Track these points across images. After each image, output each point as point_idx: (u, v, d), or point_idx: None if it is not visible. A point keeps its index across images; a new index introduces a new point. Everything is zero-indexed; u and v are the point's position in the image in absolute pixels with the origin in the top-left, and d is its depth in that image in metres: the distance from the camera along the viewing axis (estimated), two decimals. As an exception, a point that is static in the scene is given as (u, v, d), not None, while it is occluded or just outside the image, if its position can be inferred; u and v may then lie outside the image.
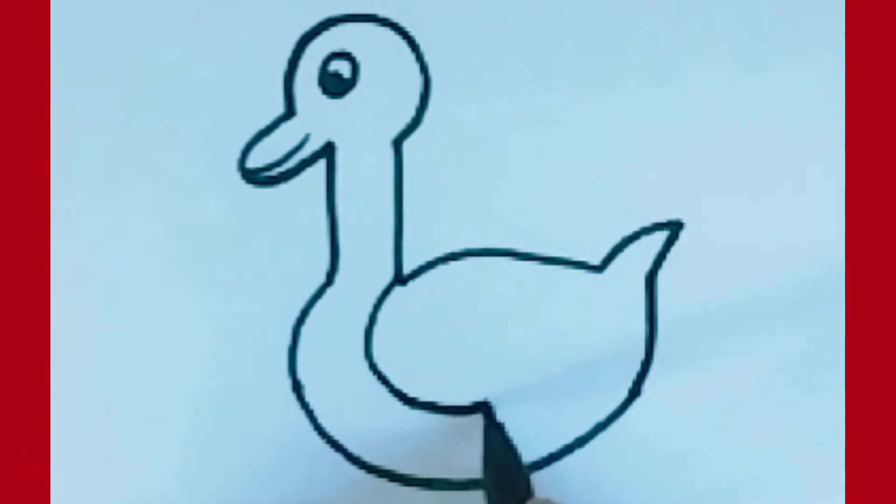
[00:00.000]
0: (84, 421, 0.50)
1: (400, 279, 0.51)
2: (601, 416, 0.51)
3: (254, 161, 0.50)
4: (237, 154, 0.50)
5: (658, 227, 0.50)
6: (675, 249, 0.50)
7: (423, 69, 0.50)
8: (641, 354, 0.51)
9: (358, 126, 0.50)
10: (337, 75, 0.50)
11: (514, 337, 0.51)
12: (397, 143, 0.50)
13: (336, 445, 0.51)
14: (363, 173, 0.50)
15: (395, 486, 0.51)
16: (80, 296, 0.50)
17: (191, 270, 0.50)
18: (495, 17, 0.50)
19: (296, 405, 0.51)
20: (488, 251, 0.51)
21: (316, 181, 0.50)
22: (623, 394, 0.51)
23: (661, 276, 0.51)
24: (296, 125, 0.50)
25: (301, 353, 0.50)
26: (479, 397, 0.51)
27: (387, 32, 0.50)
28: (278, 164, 0.50)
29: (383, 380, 0.51)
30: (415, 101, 0.50)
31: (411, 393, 0.51)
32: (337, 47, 0.50)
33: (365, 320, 0.51)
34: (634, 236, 0.51)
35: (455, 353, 0.51)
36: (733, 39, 0.50)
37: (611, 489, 0.51)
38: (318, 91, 0.50)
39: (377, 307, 0.50)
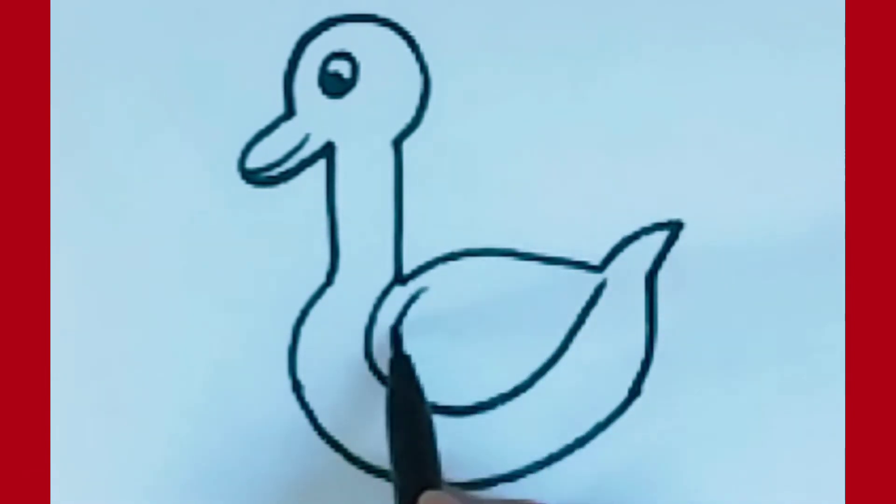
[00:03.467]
0: (84, 421, 0.50)
1: (400, 279, 0.51)
2: (601, 416, 0.51)
3: (254, 161, 0.50)
4: (237, 154, 0.50)
5: (658, 227, 0.50)
6: (675, 249, 0.50)
7: (423, 69, 0.50)
8: (641, 354, 0.51)
9: (358, 126, 0.50)
10: (337, 75, 0.50)
11: (513, 337, 0.51)
12: (397, 143, 0.50)
13: (336, 445, 0.51)
14: (363, 173, 0.50)
15: (394, 486, 0.51)
16: (80, 296, 0.50)
17: (190, 270, 0.50)
18: (495, 17, 0.50)
19: (296, 405, 0.51)
20: (488, 251, 0.51)
21: (316, 181, 0.50)
22: (623, 394, 0.51)
23: (661, 276, 0.51)
24: (296, 125, 0.50)
25: (301, 353, 0.50)
26: (479, 397, 0.51)
27: (387, 32, 0.50)
28: (278, 164, 0.50)
29: (383, 380, 0.51)
30: (415, 101, 0.50)
31: (411, 393, 0.51)
32: (337, 47, 0.50)
33: (365, 320, 0.51)
34: (634, 236, 0.51)
35: (455, 354, 0.51)
36: (733, 39, 0.50)
37: (611, 489, 0.51)
38: (318, 91, 0.50)
39: (377, 307, 0.51)
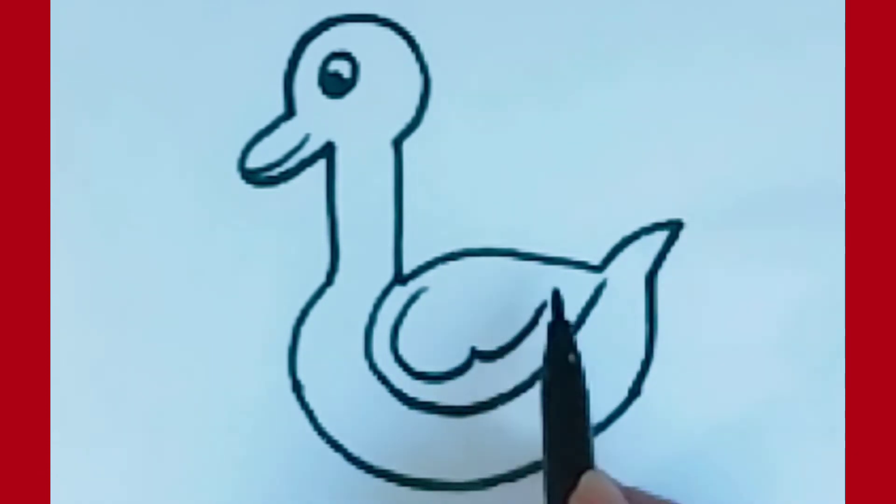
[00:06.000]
0: (83, 420, 0.50)
1: (400, 279, 0.51)
2: (601, 416, 0.51)
3: (254, 161, 0.50)
4: (237, 154, 0.50)
5: (658, 227, 0.50)
6: (675, 249, 0.50)
7: (423, 69, 0.50)
8: (641, 354, 0.51)
9: (358, 126, 0.50)
10: (337, 75, 0.50)
11: (513, 337, 0.51)
12: (397, 143, 0.50)
13: (336, 445, 0.51)
14: (363, 173, 0.50)
15: (394, 487, 0.51)
16: (80, 295, 0.50)
17: (191, 270, 0.50)
18: (495, 17, 0.50)
19: (296, 405, 0.51)
20: (488, 251, 0.51)
21: (316, 181, 0.50)
22: (623, 394, 0.51)
23: (661, 276, 0.51)
24: (296, 125, 0.50)
25: (301, 353, 0.50)
26: (479, 397, 0.51)
27: (387, 32, 0.50)
28: (278, 164, 0.50)
29: (383, 380, 0.51)
30: (415, 101, 0.50)
31: (411, 393, 0.51)
32: (337, 47, 0.50)
33: (365, 320, 0.51)
34: (634, 236, 0.51)
35: (455, 354, 0.51)
36: (733, 39, 0.50)
37: (611, 489, 0.51)
38: (318, 91, 0.50)
39: (377, 307, 0.50)
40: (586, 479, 0.46)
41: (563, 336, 0.48)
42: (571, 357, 0.47)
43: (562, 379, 0.47)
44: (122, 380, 0.50)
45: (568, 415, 0.47)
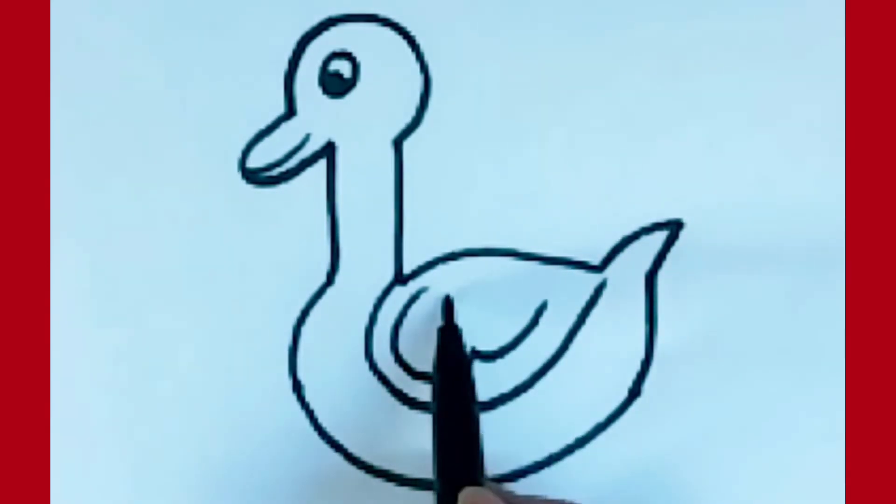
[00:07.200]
0: (83, 421, 0.50)
1: (400, 279, 0.51)
2: (601, 416, 0.51)
3: (254, 161, 0.50)
4: (237, 154, 0.50)
5: (658, 227, 0.50)
6: (675, 249, 0.50)
7: (423, 69, 0.50)
8: (641, 354, 0.51)
9: (358, 126, 0.50)
10: (337, 75, 0.50)
11: (513, 337, 0.51)
12: (397, 143, 0.50)
13: (336, 445, 0.51)
14: (363, 173, 0.50)
15: (394, 487, 0.51)
16: (80, 296, 0.50)
17: (191, 270, 0.50)
18: (495, 17, 0.50)
19: (296, 405, 0.51)
20: (488, 251, 0.51)
21: (316, 181, 0.50)
22: (623, 394, 0.51)
23: (661, 276, 0.51)
24: (296, 125, 0.50)
25: (301, 353, 0.50)
26: (479, 398, 0.51)
27: (387, 32, 0.50)
28: (279, 163, 0.50)
29: (383, 380, 0.51)
30: (415, 101, 0.50)
31: (411, 393, 0.51)
32: (337, 47, 0.50)
33: (365, 320, 0.51)
34: (634, 236, 0.51)
35: (455, 353, 0.51)
36: (733, 40, 0.50)
37: (611, 489, 0.51)
38: (318, 91, 0.50)
39: (377, 307, 0.51)
40: (464, 495, 0.46)
41: (453, 341, 0.49)
42: (462, 361, 0.48)
43: (452, 385, 0.48)
44: (122, 379, 0.50)
45: (458, 425, 0.48)
